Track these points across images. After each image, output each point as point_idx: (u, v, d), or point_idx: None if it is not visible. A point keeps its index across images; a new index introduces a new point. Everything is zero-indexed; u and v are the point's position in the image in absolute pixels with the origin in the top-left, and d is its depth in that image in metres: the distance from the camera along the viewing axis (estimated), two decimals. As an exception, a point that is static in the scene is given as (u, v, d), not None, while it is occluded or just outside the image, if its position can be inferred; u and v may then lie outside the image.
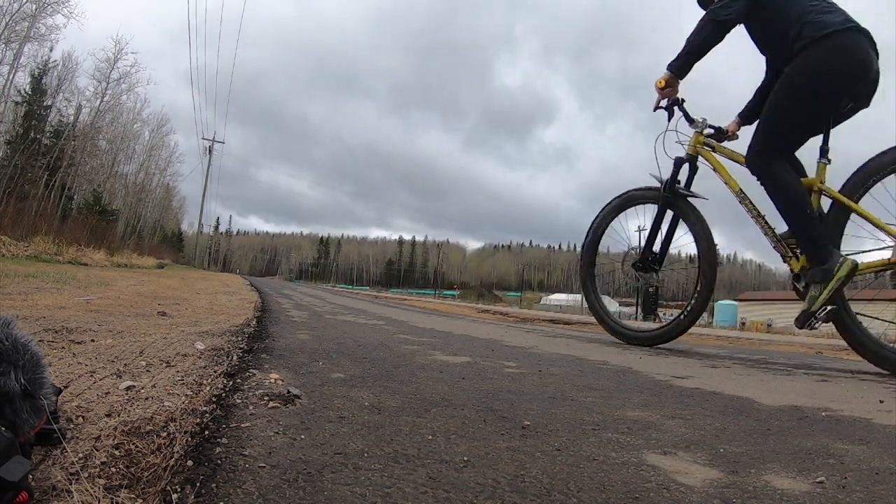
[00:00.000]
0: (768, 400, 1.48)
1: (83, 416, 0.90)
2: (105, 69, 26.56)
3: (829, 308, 2.32)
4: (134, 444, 0.79)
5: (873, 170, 2.34)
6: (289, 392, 1.21)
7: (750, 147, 2.53)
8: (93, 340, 1.67)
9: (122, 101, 28.96)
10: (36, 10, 20.68)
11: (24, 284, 4.21)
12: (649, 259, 2.99)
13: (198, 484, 0.69)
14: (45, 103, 24.03)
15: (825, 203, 2.46)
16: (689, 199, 2.86)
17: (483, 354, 2.21)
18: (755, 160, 2.49)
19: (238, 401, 1.11)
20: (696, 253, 2.83)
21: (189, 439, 0.84)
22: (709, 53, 2.56)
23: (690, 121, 2.82)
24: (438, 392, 1.36)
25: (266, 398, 1.15)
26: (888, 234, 2.32)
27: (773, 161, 2.43)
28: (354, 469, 0.78)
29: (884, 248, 2.35)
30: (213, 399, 1.09)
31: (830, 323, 2.36)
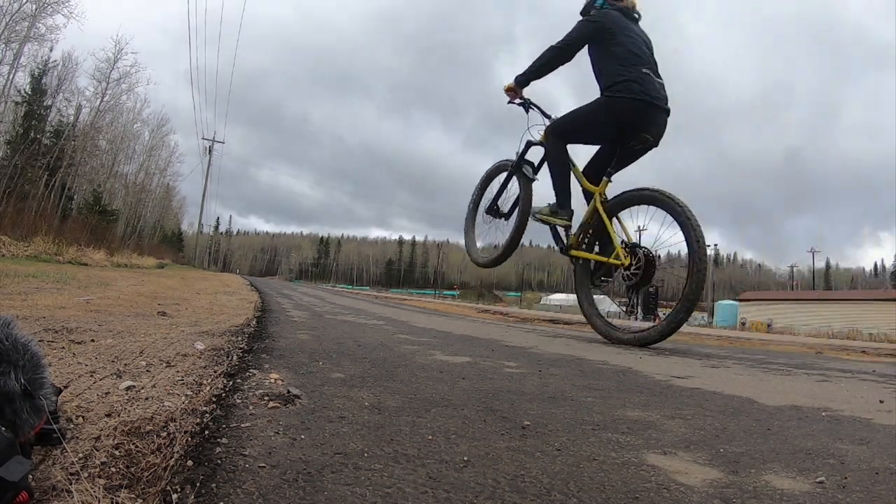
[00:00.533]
0: (768, 400, 1.48)
1: (83, 416, 0.90)
2: (105, 69, 26.58)
3: (564, 221, 3.39)
4: (134, 444, 0.79)
5: (622, 201, 3.23)
6: (289, 392, 1.21)
7: (547, 125, 3.50)
8: (93, 340, 1.67)
9: (122, 101, 28.97)
10: (36, 10, 20.69)
11: (24, 284, 4.21)
12: (494, 208, 3.95)
13: (198, 484, 0.69)
14: (45, 103, 24.03)
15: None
16: (528, 177, 3.66)
17: (483, 354, 2.21)
18: (545, 134, 3.49)
19: (238, 401, 1.11)
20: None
21: (189, 439, 0.84)
22: (550, 73, 3.38)
23: (546, 116, 3.55)
24: (438, 392, 1.36)
25: (266, 398, 1.15)
26: (615, 245, 3.21)
27: (553, 137, 3.40)
28: (354, 469, 0.78)
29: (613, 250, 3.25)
30: (213, 399, 1.09)
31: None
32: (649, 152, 3.24)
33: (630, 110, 3.03)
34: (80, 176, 26.90)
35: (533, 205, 3.54)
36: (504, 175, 3.89)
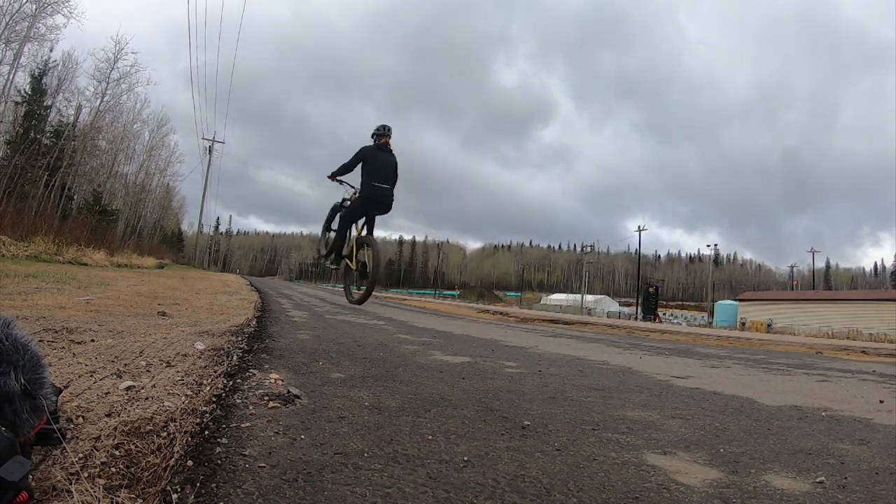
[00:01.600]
0: (768, 400, 1.48)
1: (83, 416, 0.90)
2: (105, 69, 26.56)
3: (334, 266, 6.53)
4: (134, 444, 0.79)
5: (356, 242, 6.07)
6: (289, 392, 1.21)
7: (342, 212, 6.25)
8: (93, 340, 1.67)
9: (122, 101, 28.95)
10: (36, 10, 20.67)
11: (24, 284, 4.21)
12: (329, 227, 6.57)
13: (198, 484, 0.69)
14: (45, 103, 24.01)
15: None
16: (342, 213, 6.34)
17: (483, 354, 2.21)
18: (342, 215, 6.24)
19: (238, 401, 1.11)
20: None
21: (189, 439, 0.84)
22: (346, 175, 5.99)
23: (351, 186, 6.07)
24: (438, 392, 1.36)
25: (266, 398, 1.15)
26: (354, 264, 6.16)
27: (343, 221, 6.14)
28: (354, 469, 0.78)
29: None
30: (213, 399, 1.09)
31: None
32: (384, 215, 6.04)
33: (367, 202, 5.78)
34: (80, 176, 26.89)
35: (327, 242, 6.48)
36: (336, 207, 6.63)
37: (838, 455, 0.96)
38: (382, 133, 6.03)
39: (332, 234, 6.51)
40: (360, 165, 5.88)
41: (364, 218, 6.10)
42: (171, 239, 48.60)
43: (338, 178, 6.11)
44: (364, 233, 6.10)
